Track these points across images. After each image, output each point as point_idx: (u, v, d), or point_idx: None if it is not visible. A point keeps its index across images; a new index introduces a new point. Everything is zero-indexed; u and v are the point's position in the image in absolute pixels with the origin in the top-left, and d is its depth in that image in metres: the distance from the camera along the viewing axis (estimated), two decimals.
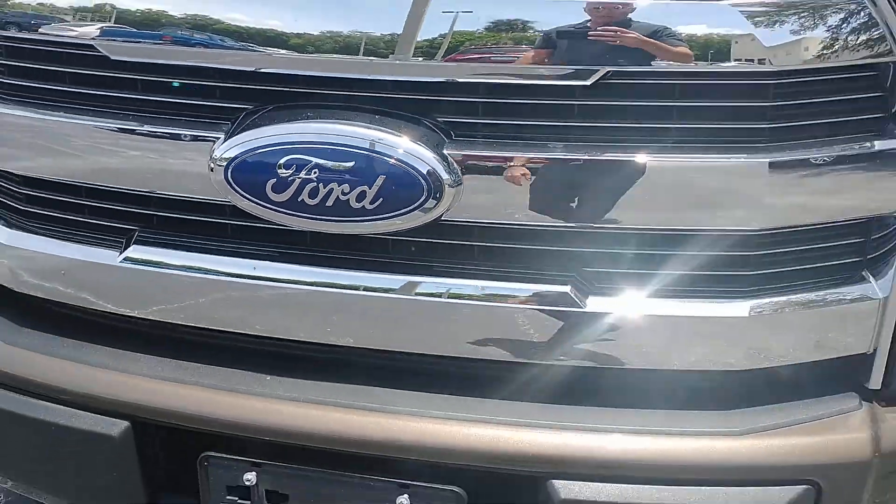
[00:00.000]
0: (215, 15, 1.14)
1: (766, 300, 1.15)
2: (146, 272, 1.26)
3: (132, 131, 1.21)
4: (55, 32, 1.20)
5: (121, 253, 1.27)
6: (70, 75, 1.24)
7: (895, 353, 1.20)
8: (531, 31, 1.06)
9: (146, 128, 1.20)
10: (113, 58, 1.18)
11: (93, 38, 1.18)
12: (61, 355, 1.32)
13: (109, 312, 1.31)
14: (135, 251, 1.26)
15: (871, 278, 1.17)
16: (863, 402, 1.22)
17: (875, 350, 1.20)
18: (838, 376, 1.23)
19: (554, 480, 1.16)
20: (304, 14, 1.11)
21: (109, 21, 1.17)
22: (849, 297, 1.17)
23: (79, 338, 1.34)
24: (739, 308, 1.15)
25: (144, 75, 1.19)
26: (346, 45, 1.09)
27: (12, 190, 1.35)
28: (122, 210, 1.27)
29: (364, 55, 1.09)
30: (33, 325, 1.38)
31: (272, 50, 1.11)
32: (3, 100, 1.29)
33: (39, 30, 1.22)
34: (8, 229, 1.36)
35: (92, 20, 1.18)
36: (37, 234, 1.34)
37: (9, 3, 1.24)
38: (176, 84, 1.18)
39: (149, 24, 1.16)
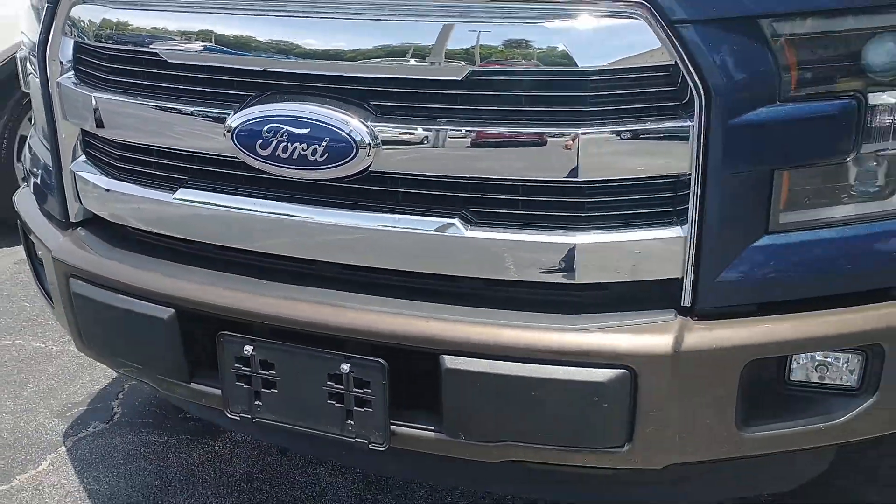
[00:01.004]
0: (238, 30, 1.75)
1: (599, 234, 1.65)
2: (189, 206, 1.89)
3: (180, 111, 1.83)
4: (134, 44, 1.86)
5: (173, 194, 1.91)
6: (143, 73, 1.89)
7: (698, 279, 1.67)
8: (424, 50, 1.61)
9: (189, 108, 1.82)
10: (169, 61, 1.82)
11: (157, 48, 1.83)
12: (134, 264, 1.97)
13: (165, 235, 1.95)
14: (182, 193, 1.89)
15: (679, 223, 1.64)
16: (678, 315, 1.68)
17: (683, 276, 1.66)
18: (663, 296, 1.69)
19: (444, 355, 1.69)
20: (284, 33, 1.71)
21: (166, 37, 1.81)
22: (662, 236, 1.65)
23: (144, 253, 1.98)
24: (578, 237, 1.64)
25: (188, 73, 1.82)
26: (307, 53, 1.68)
27: (110, 151, 2.02)
28: (175, 165, 1.90)
29: (320, 59, 1.68)
30: (119, 244, 2.04)
31: (262, 54, 1.71)
32: (105, 89, 1.96)
33: (125, 44, 1.88)
34: (107, 178, 2.03)
35: (157, 37, 1.83)
36: (124, 181, 2.00)
37: (113, 26, 1.90)
38: (206, 78, 1.80)
39: (194, 38, 1.80)
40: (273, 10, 1.72)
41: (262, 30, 1.72)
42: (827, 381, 1.76)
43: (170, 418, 2.94)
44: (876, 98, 1.62)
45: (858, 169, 1.68)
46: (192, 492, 2.61)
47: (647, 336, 1.65)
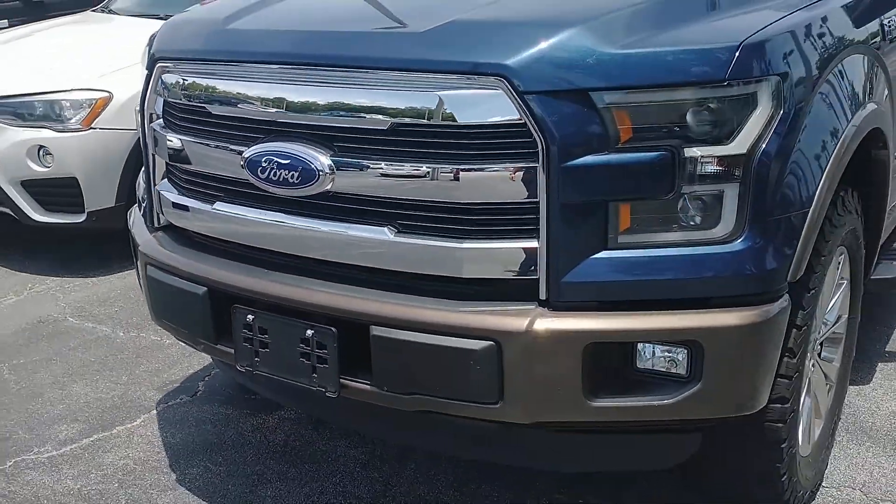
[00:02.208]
0: (251, 93, 2.58)
1: (479, 242, 2.33)
2: (221, 214, 2.72)
3: (217, 147, 2.68)
4: (192, 100, 2.73)
5: (212, 205, 2.75)
6: (197, 120, 2.76)
7: (549, 280, 2.30)
8: (364, 109, 2.38)
9: (223, 145, 2.67)
10: (211, 111, 2.67)
11: (204, 104, 2.69)
12: (185, 255, 2.81)
13: (206, 235, 2.80)
14: (218, 205, 2.73)
15: (535, 237, 2.29)
16: (538, 306, 2.32)
17: (539, 277, 2.31)
18: (529, 291, 2.33)
19: (372, 326, 2.41)
20: (279, 95, 2.52)
21: (209, 96, 2.67)
22: (523, 246, 2.31)
23: (194, 248, 2.83)
24: (464, 244, 2.33)
25: (223, 121, 2.66)
26: (292, 107, 2.48)
27: (179, 175, 2.89)
28: (213, 185, 2.75)
29: (300, 113, 2.47)
30: (180, 242, 2.90)
31: (266, 108, 2.53)
32: (176, 132, 2.84)
33: (188, 100, 2.75)
34: (176, 195, 2.91)
35: (204, 96, 2.69)
36: (185, 196, 2.87)
37: (181, 87, 2.78)
38: (233, 125, 2.64)
39: (227, 97, 2.64)
40: (273, 80, 2.54)
41: (266, 92, 2.54)
42: (664, 369, 2.35)
43: (237, 396, 3.78)
44: (689, 151, 2.24)
45: (682, 204, 2.29)
46: (239, 450, 3.42)
47: (509, 318, 2.30)
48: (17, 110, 5.18)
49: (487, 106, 2.26)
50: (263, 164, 2.52)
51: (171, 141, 2.84)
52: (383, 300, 2.43)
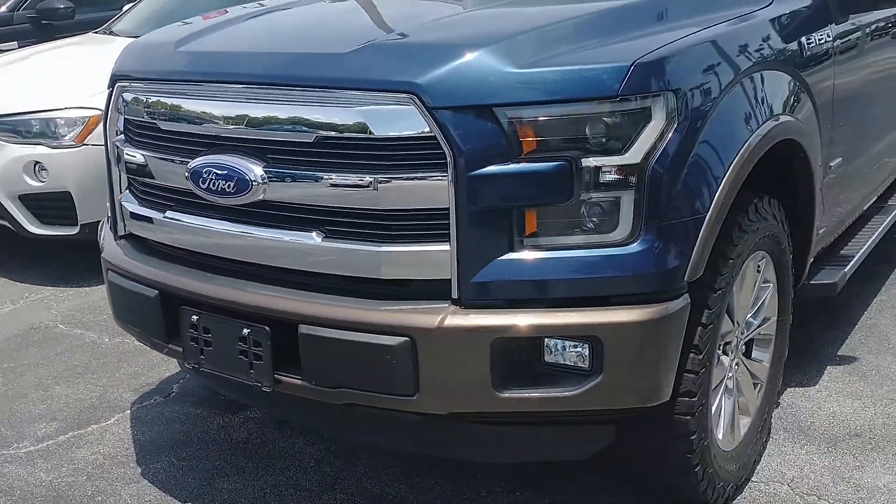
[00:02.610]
0: (195, 109, 2.81)
1: (396, 246, 2.53)
2: (172, 223, 2.95)
3: (166, 159, 2.91)
4: (144, 117, 2.96)
5: (163, 214, 2.98)
6: (144, 134, 2.99)
7: (460, 280, 2.49)
8: (292, 124, 2.60)
9: (171, 157, 2.90)
10: (163, 127, 2.91)
11: (155, 119, 2.92)
12: (140, 261, 3.05)
13: (157, 241, 3.03)
14: (169, 214, 2.96)
15: (446, 240, 2.49)
16: (452, 304, 2.52)
17: (451, 278, 2.50)
18: (443, 291, 2.52)
19: (301, 324, 2.62)
20: (218, 112, 2.75)
21: (160, 112, 2.90)
22: (436, 249, 2.50)
23: (149, 254, 3.06)
24: (383, 248, 2.54)
25: (171, 135, 2.89)
26: (230, 121, 2.71)
27: (136, 187, 3.13)
28: (164, 195, 2.97)
29: (236, 126, 2.70)
30: (138, 249, 3.13)
31: (207, 124, 2.76)
32: (133, 146, 3.08)
33: (140, 116, 2.99)
34: (137, 204, 3.14)
35: (156, 112, 2.92)
36: (142, 206, 3.10)
37: (135, 104, 3.02)
38: (179, 139, 2.87)
39: (174, 114, 2.87)
40: (214, 97, 2.77)
41: (208, 109, 2.77)
42: (569, 363, 2.54)
43: (209, 398, 4.00)
44: (586, 161, 2.43)
45: (583, 210, 2.48)
46: (202, 447, 3.64)
47: (423, 316, 2.50)
48: (17, 128, 5.48)
49: (401, 120, 2.46)
50: (204, 175, 2.74)
51: (129, 155, 3.08)
52: (310, 300, 2.64)
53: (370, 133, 2.49)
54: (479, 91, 2.43)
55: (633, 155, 2.44)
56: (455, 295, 2.51)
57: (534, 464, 3.29)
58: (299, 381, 2.69)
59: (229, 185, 2.69)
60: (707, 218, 2.55)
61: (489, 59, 2.46)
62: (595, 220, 2.49)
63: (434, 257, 2.51)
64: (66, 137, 5.33)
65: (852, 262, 3.84)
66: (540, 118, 2.43)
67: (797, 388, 3.84)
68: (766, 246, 3.04)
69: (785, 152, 3.06)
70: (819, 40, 3.22)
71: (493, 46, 2.49)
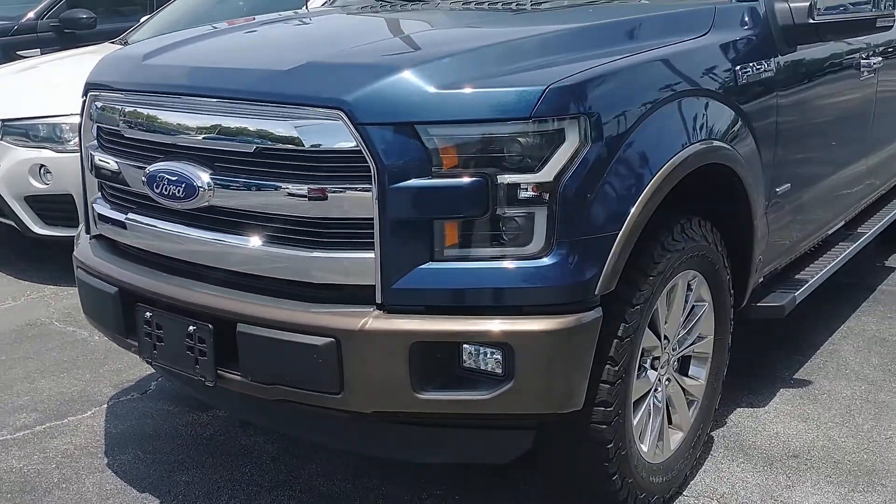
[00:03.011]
0: (153, 118, 3.04)
1: (326, 252, 2.72)
2: (132, 224, 3.17)
3: (128, 164, 3.14)
4: (108, 125, 3.20)
5: (125, 216, 3.20)
6: (112, 141, 3.22)
7: (383, 286, 2.68)
8: (234, 135, 2.81)
9: (131, 162, 3.12)
10: (125, 134, 3.14)
11: (117, 127, 3.15)
12: (104, 259, 3.27)
13: (121, 242, 3.25)
14: (129, 216, 3.19)
15: (371, 248, 2.67)
16: (376, 309, 2.70)
17: (375, 284, 2.69)
18: (370, 296, 2.70)
19: (239, 323, 2.82)
20: (171, 121, 2.97)
21: (123, 120, 3.13)
22: (362, 257, 2.69)
23: (114, 254, 3.29)
24: (315, 254, 2.73)
25: (132, 142, 3.12)
26: (180, 131, 2.93)
27: (105, 189, 3.36)
28: (126, 198, 3.20)
29: (186, 135, 2.91)
30: (105, 248, 3.35)
31: (163, 132, 2.98)
32: (102, 152, 3.31)
33: (106, 123, 3.22)
34: (107, 207, 3.37)
35: (118, 121, 3.15)
36: (110, 209, 3.33)
37: (103, 111, 3.25)
38: (138, 146, 3.09)
39: (134, 122, 3.10)
40: (169, 107, 2.99)
41: (163, 118, 3.00)
42: (485, 368, 2.70)
43: (182, 396, 4.21)
44: (502, 178, 2.61)
45: (499, 224, 2.65)
46: (168, 441, 3.85)
47: (347, 318, 2.69)
48: (25, 131, 5.79)
49: (330, 134, 2.66)
50: (158, 180, 2.96)
51: (100, 160, 3.31)
52: (247, 301, 2.84)
53: (302, 145, 2.69)
54: (403, 109, 2.62)
55: (546, 174, 2.61)
56: (379, 300, 2.70)
57: (484, 469, 3.46)
58: (238, 377, 2.89)
59: (179, 190, 2.91)
60: (619, 235, 2.71)
61: (413, 79, 2.65)
62: (511, 233, 2.66)
63: (360, 264, 2.70)
64: (71, 142, 5.61)
65: (805, 287, 3.96)
66: (458, 136, 2.61)
67: (746, 409, 3.96)
68: (697, 265, 3.18)
69: (722, 177, 3.21)
70: (758, 69, 3.37)
71: (418, 67, 2.68)
